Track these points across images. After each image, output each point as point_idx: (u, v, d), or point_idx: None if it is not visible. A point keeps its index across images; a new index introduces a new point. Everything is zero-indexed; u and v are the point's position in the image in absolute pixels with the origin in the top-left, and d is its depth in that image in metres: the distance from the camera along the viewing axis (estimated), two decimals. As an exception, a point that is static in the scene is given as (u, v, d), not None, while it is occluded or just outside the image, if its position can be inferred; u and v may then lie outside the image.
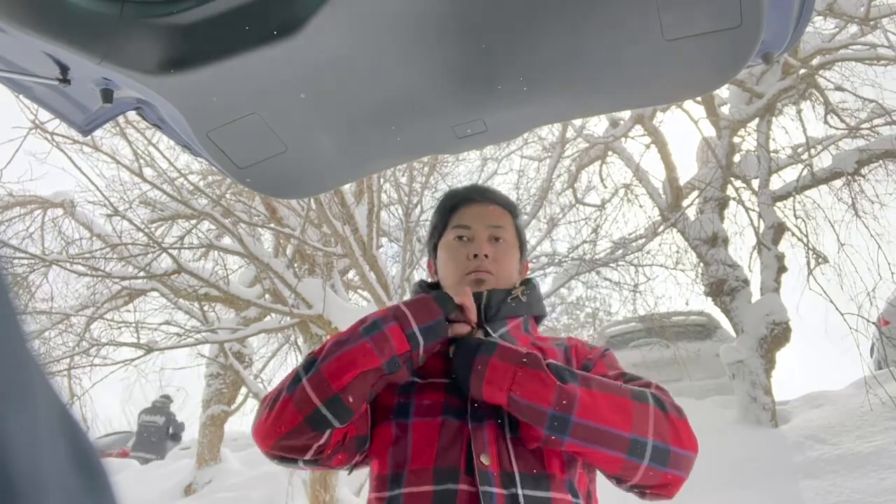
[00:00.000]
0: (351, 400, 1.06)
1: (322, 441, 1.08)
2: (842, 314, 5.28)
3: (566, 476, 1.09)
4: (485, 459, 1.05)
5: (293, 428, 1.06)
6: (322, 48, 1.22)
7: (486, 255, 1.24)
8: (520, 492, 1.03)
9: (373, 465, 1.17)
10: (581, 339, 1.29)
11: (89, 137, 5.92)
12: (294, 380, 1.09)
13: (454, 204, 1.34)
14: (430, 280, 1.41)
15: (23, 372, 0.26)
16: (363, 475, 5.59)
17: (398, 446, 1.12)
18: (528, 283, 1.32)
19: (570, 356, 1.22)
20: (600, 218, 7.99)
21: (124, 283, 6.88)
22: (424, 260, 7.45)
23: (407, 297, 1.37)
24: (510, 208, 1.35)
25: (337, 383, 1.05)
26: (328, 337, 5.34)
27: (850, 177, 6.26)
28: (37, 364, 0.27)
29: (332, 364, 1.07)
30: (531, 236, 7.84)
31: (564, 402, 1.01)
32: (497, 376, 1.05)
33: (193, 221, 7.52)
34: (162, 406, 10.68)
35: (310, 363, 1.10)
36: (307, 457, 1.10)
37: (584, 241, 7.71)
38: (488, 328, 1.20)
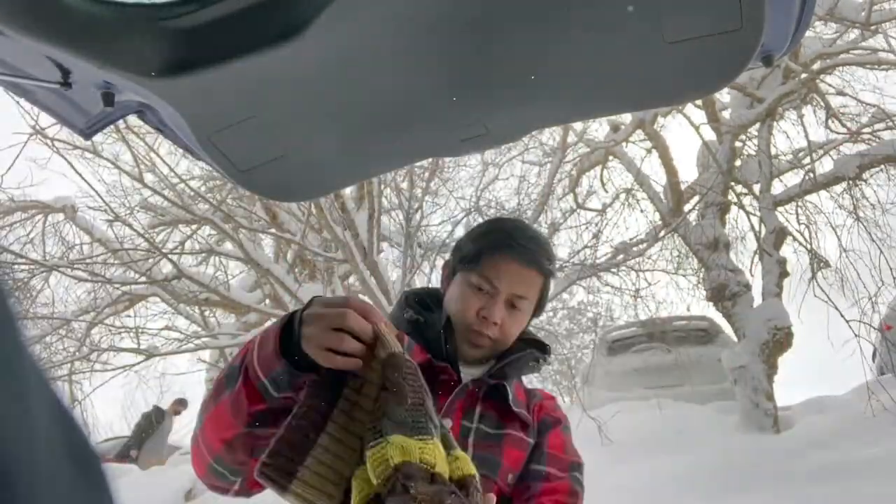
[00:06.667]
0: (236, 457, 0.94)
1: (237, 486, 0.99)
2: (846, 321, 5.27)
3: None
4: None
5: (202, 476, 1.00)
6: (323, 51, 1.22)
7: (495, 323, 1.17)
8: None
9: None
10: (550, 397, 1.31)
11: (90, 143, 5.94)
12: (198, 421, 0.99)
13: (493, 248, 1.20)
14: (430, 288, 1.33)
15: (21, 371, 0.26)
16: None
17: None
18: (543, 349, 1.27)
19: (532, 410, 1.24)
20: (601, 223, 8.00)
21: (125, 288, 6.88)
22: (425, 264, 7.48)
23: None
24: (547, 273, 1.23)
25: (213, 449, 0.95)
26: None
27: (851, 181, 6.26)
28: (36, 364, 0.27)
29: (206, 427, 0.97)
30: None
31: None
32: None
33: (194, 227, 7.53)
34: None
35: (204, 405, 0.98)
36: (230, 496, 1.02)
37: (586, 246, 7.70)
38: (507, 385, 1.19)
